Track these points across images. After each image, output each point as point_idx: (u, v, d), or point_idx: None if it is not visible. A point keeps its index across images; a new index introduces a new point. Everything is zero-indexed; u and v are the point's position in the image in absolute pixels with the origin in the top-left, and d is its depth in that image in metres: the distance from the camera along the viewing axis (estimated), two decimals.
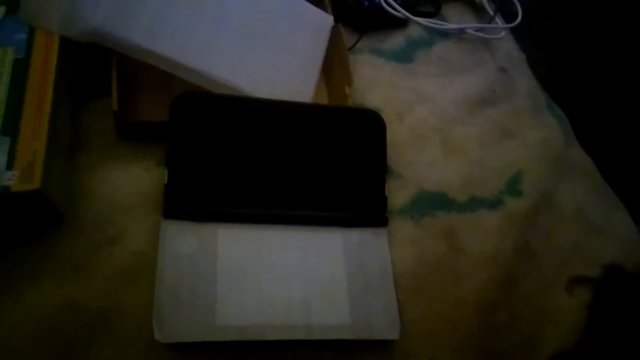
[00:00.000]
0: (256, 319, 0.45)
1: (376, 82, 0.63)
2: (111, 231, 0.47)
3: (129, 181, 0.50)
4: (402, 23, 0.70)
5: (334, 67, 0.61)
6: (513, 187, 0.59)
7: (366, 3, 0.67)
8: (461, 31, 0.73)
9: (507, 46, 0.74)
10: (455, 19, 0.74)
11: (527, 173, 0.60)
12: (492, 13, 0.73)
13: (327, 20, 0.61)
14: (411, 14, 0.69)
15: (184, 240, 0.47)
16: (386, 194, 0.54)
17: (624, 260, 0.59)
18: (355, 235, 0.52)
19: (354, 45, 0.66)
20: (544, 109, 0.67)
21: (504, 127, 0.64)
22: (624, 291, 0.57)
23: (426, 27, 0.71)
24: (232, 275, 0.46)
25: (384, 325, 0.48)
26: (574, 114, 0.69)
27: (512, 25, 0.74)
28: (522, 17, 0.74)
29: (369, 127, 0.55)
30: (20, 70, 0.45)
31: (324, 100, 0.61)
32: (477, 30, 0.73)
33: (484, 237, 0.55)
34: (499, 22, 0.75)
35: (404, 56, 0.68)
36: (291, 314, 0.46)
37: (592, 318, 0.54)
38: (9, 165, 0.40)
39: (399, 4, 0.69)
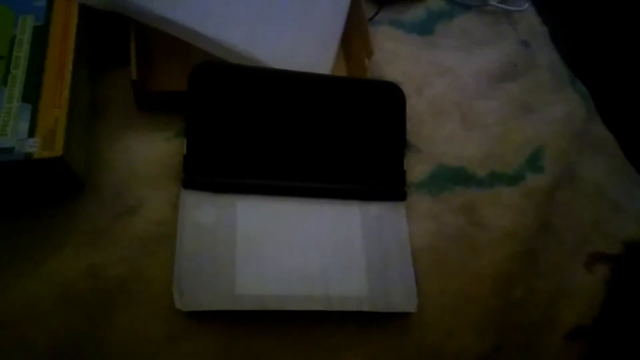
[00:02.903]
0: (275, 289, 0.45)
1: (396, 54, 0.62)
2: (131, 201, 0.47)
3: (149, 151, 0.50)
4: None
5: (354, 38, 0.60)
6: (534, 162, 0.58)
7: None
8: (483, 3, 0.71)
9: (529, 19, 0.72)
10: None
11: (548, 149, 0.59)
12: None
13: None
14: None
15: (203, 211, 0.47)
16: (405, 168, 0.54)
17: None
18: (374, 209, 0.52)
19: (374, 16, 0.65)
20: (566, 83, 0.66)
21: (525, 101, 0.63)
22: None
23: None
24: (251, 246, 0.47)
25: (401, 298, 0.48)
26: (597, 89, 0.68)
27: None
28: None
29: (388, 99, 0.55)
30: (40, 38, 0.45)
31: (343, 72, 0.61)
32: (499, 3, 0.71)
33: (503, 213, 0.55)
34: None
35: (424, 28, 0.66)
36: (309, 285, 0.46)
37: (610, 294, 0.54)
38: (31, 133, 0.40)
39: None
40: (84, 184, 0.46)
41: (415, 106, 0.58)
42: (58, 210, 0.45)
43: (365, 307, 0.47)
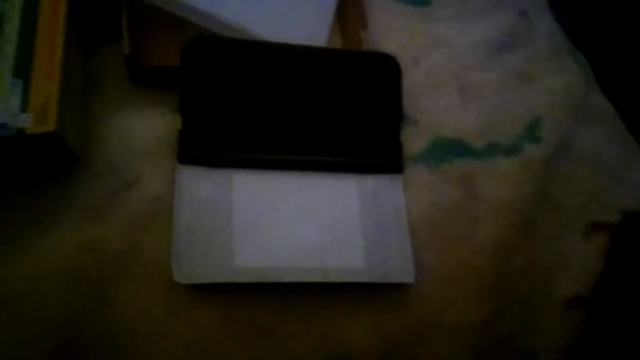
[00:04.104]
0: (273, 262, 0.46)
1: (391, 26, 0.61)
2: (127, 176, 0.47)
3: (144, 126, 0.49)
4: None
5: (348, 10, 0.59)
6: (532, 133, 0.58)
7: None
8: None
9: None
10: None
11: (546, 119, 0.59)
12: None
13: None
14: None
15: (199, 186, 0.47)
16: (402, 140, 0.54)
17: None
18: (370, 182, 0.52)
19: None
20: (564, 53, 0.65)
21: (523, 72, 0.62)
22: None
23: None
24: (248, 219, 0.47)
25: (399, 269, 0.49)
26: (596, 59, 0.67)
27: None
28: None
29: (384, 71, 0.54)
30: (30, 13, 0.44)
31: (338, 44, 0.60)
32: None
33: (501, 183, 0.55)
34: None
35: None
36: (307, 257, 0.47)
37: (609, 263, 0.54)
38: (23, 108, 0.40)
39: None
40: (79, 159, 0.46)
41: (412, 78, 0.58)
42: (54, 186, 0.45)
43: (362, 279, 0.47)
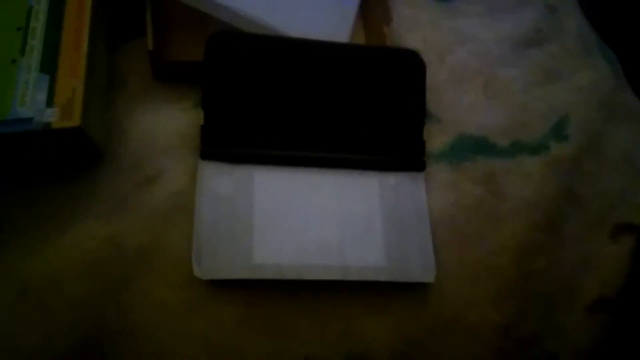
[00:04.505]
0: (293, 259, 0.45)
1: (416, 21, 0.60)
2: (150, 171, 0.48)
3: (167, 122, 0.50)
4: None
5: (372, 5, 0.59)
6: (558, 131, 0.57)
7: None
8: None
9: None
10: None
11: (573, 117, 0.58)
12: None
13: None
14: None
15: (221, 182, 0.47)
16: (425, 137, 0.53)
17: None
18: (392, 179, 0.51)
19: None
20: (593, 50, 0.64)
21: (551, 68, 0.61)
22: None
23: None
24: (269, 216, 0.47)
25: (419, 268, 0.48)
26: (626, 56, 0.65)
27: None
28: None
29: (408, 68, 0.54)
30: (56, 8, 0.45)
31: (361, 40, 0.59)
32: None
33: (525, 183, 0.54)
34: None
35: None
36: (327, 255, 0.46)
37: (635, 265, 0.53)
38: (49, 103, 0.41)
39: None
40: (103, 154, 0.47)
41: (435, 74, 0.57)
42: (78, 180, 0.46)
43: (382, 277, 0.47)
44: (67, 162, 0.46)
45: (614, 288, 0.52)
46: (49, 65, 0.42)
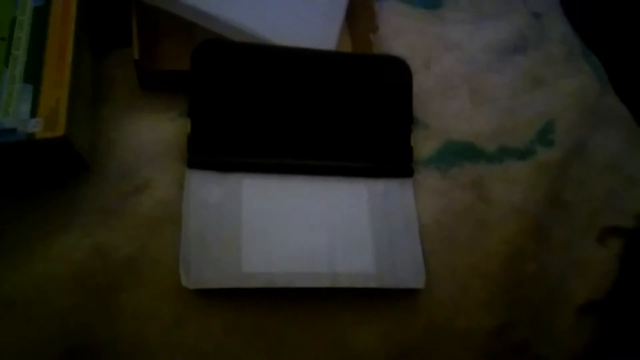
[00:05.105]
0: (282, 267, 0.45)
1: (402, 29, 0.61)
2: (137, 180, 0.47)
3: (153, 131, 0.49)
4: None
5: (358, 13, 0.59)
6: (544, 136, 0.57)
7: None
8: None
9: None
10: None
11: (559, 122, 0.58)
12: None
13: None
14: None
15: (208, 190, 0.47)
16: (412, 144, 0.53)
17: None
18: (381, 186, 0.51)
19: None
20: (578, 56, 0.64)
21: (536, 75, 0.61)
22: None
23: None
24: (257, 224, 0.46)
25: (409, 274, 0.48)
26: (610, 62, 0.66)
27: None
28: None
29: (395, 75, 0.54)
30: (40, 18, 0.44)
31: (348, 48, 0.60)
32: None
33: (513, 188, 0.54)
34: None
35: (431, 1, 0.65)
36: (317, 262, 0.46)
37: (623, 269, 0.53)
38: (33, 113, 0.40)
39: None
40: (89, 164, 0.46)
41: (422, 81, 0.57)
42: (64, 191, 0.46)
43: (372, 284, 0.47)
44: (53, 173, 0.45)
45: (603, 291, 0.52)
46: (33, 75, 0.42)
